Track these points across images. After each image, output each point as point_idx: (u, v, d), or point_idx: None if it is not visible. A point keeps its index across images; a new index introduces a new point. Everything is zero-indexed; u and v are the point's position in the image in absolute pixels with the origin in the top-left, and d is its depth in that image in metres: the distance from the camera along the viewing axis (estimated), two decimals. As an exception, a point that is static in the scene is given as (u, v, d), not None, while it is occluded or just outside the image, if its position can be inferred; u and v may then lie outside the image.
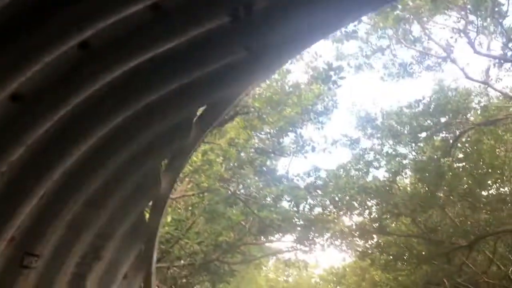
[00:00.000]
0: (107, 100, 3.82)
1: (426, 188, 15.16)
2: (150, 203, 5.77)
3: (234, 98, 4.58)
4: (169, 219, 12.07)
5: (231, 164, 11.87)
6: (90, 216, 4.68)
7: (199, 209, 14.67)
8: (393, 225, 18.84)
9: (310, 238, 16.24)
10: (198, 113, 4.77)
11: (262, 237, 17.87)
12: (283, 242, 18.92)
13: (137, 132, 4.25)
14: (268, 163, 13.53)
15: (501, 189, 15.16)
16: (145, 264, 6.08)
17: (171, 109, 4.21)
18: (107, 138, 3.94)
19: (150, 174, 5.02)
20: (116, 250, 5.33)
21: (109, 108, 3.88)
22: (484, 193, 15.16)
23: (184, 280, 16.40)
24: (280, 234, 17.52)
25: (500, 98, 15.62)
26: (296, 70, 19.15)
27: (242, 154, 12.28)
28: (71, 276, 4.86)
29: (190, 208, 15.27)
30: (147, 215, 6.04)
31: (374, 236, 19.38)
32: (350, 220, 16.72)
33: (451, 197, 13.66)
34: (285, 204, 18.96)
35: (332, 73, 10.01)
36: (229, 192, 12.32)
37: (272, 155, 12.81)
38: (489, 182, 14.05)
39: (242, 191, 13.11)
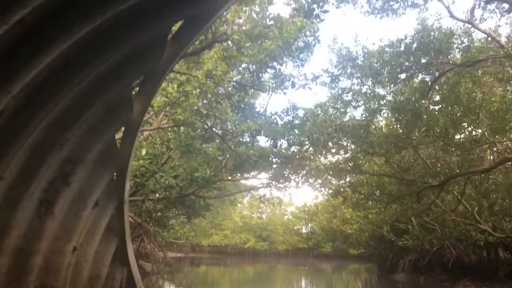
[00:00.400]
0: (70, 10, 3.41)
1: (402, 129, 15.26)
2: (122, 129, 5.50)
3: (213, 15, 4.21)
4: (143, 152, 11.83)
5: (209, 98, 11.52)
6: (57, 139, 4.39)
7: (174, 144, 14.47)
8: (367, 164, 19.18)
9: (286, 175, 16.35)
10: (173, 30, 4.41)
11: (238, 174, 17.92)
12: (258, 179, 19.02)
13: (106, 47, 3.88)
14: (246, 99, 13.22)
15: (474, 131, 15.36)
16: (117, 192, 5.91)
17: (143, 22, 3.83)
18: (72, 52, 3.56)
19: (121, 97, 4.71)
20: (86, 177, 5.11)
21: (73, 18, 3.48)
22: (458, 135, 15.38)
23: (159, 214, 16.51)
24: (256, 172, 17.60)
25: (483, 40, 15.47)
26: (278, 2, 18.41)
27: (220, 88, 11.91)
28: (38, 202, 4.64)
29: (165, 142, 15.03)
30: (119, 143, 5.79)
31: (348, 175, 19.75)
32: (326, 159, 16.88)
33: (426, 138, 13.78)
34: (262, 142, 18.89)
35: (315, 6, 9.50)
36: (206, 126, 12.06)
37: (251, 90, 12.48)
38: (464, 124, 14.16)
39: (219, 126, 12.85)
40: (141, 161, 12.45)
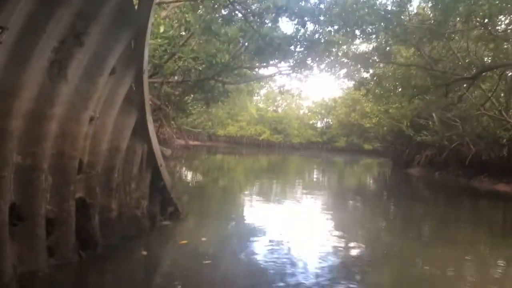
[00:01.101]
0: None
1: (438, 16, 13.99)
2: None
3: None
4: (161, 29, 11.11)
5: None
6: (65, -12, 3.81)
7: (194, 25, 13.61)
8: (393, 57, 18.14)
9: (309, 63, 15.58)
10: None
11: (259, 61, 17.17)
12: (279, 68, 18.26)
13: None
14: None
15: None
16: (135, 60, 5.43)
17: None
18: None
19: None
20: (101, 38, 4.58)
21: None
22: (499, 26, 14.08)
23: (178, 98, 16.22)
24: (277, 60, 16.81)
25: None
26: None
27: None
28: (49, 62, 4.18)
29: (184, 23, 14.12)
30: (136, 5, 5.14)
31: (373, 67, 18.85)
32: (352, 48, 15.89)
33: (465, 25, 12.62)
34: (286, 27, 17.73)
35: None
36: (228, 1, 11.12)
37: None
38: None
39: (241, 4, 11.86)
40: (159, 40, 11.80)
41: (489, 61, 15.66)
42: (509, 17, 13.89)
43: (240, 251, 6.72)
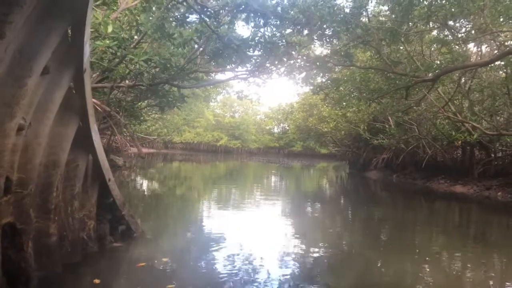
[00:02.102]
0: None
1: (398, 17, 13.86)
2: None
3: None
4: (109, 29, 10.18)
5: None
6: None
7: (145, 26, 12.74)
8: (357, 56, 17.96)
9: (268, 67, 15.04)
10: None
11: (215, 65, 16.48)
12: (236, 72, 17.59)
13: None
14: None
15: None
16: (73, 57, 4.60)
17: None
18: None
19: None
20: (27, 29, 3.74)
21: None
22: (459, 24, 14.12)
23: (130, 104, 15.22)
24: (234, 65, 16.17)
25: None
26: None
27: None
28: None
29: (135, 25, 13.22)
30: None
31: (331, 71, 18.62)
32: (311, 51, 15.51)
33: (425, 27, 12.52)
34: (242, 31, 17.18)
35: None
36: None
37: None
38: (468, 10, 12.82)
39: (196, 4, 11.12)
40: (107, 41, 10.84)
41: (446, 64, 15.71)
42: (469, 20, 13.92)
43: (205, 268, 6.34)
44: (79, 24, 4.13)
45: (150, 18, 13.05)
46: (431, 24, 12.47)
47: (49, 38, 3.98)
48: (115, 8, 13.54)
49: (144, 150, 55.91)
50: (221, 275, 5.93)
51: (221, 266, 6.38)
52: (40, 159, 4.57)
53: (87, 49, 4.34)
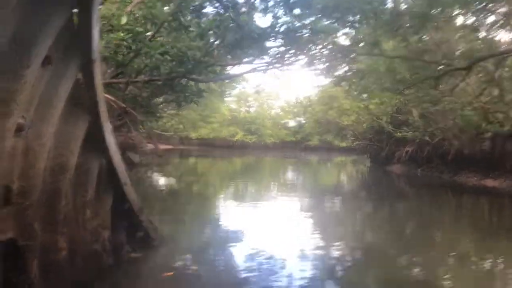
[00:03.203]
0: None
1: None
2: None
3: None
4: (123, 20, 9.57)
5: None
6: None
7: (161, 19, 12.12)
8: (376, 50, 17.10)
9: (289, 57, 14.30)
10: None
11: (233, 56, 15.79)
12: (255, 65, 16.83)
13: None
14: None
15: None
16: (80, 44, 3.94)
17: None
18: None
19: None
20: (21, 10, 3.12)
21: None
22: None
23: (146, 100, 14.62)
24: (252, 57, 15.46)
25: None
26: None
27: None
28: None
29: (150, 17, 12.59)
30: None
31: (357, 60, 17.74)
32: (336, 39, 14.67)
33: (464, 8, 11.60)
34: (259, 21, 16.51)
35: None
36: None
37: None
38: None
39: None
40: (121, 34, 10.24)
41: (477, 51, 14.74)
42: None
43: (237, 272, 5.98)
44: (85, 6, 3.46)
45: (165, 10, 12.45)
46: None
47: (50, 22, 3.32)
48: (129, 1, 13.03)
49: (161, 146, 55.67)
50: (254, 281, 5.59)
51: (249, 270, 6.04)
52: (44, 163, 3.93)
53: (95, 36, 3.67)
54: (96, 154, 4.78)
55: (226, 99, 65.92)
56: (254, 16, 13.56)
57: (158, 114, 18.48)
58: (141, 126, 19.18)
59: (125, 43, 10.86)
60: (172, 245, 6.88)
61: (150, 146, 44.23)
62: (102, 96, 4.24)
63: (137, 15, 12.75)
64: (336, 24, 11.90)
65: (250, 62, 16.27)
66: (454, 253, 7.68)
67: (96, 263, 5.00)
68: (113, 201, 5.39)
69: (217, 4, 11.70)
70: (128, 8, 13.13)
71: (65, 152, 4.18)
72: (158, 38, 13.45)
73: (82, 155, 4.50)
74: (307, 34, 11.54)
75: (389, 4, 13.30)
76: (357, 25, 11.73)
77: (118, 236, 5.60)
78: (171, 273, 5.58)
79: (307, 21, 11.32)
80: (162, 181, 20.39)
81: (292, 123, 77.39)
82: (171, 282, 5.36)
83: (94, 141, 4.62)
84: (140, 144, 39.08)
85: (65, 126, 4.09)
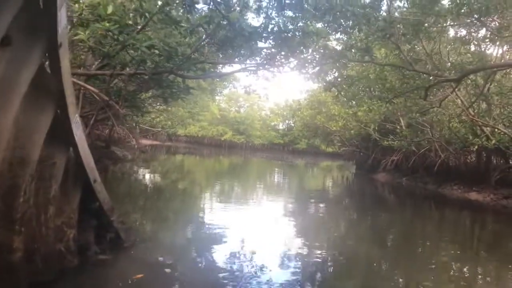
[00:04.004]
0: None
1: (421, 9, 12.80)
2: None
3: None
4: (109, 10, 9.22)
5: None
6: None
7: (150, 12, 11.76)
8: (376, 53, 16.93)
9: (280, 59, 14.03)
10: None
11: (223, 55, 15.51)
12: (245, 64, 16.56)
13: None
14: None
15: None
16: (44, 24, 3.61)
17: None
18: None
19: None
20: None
21: None
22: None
23: (132, 94, 14.23)
24: (242, 57, 15.17)
25: None
26: None
27: None
28: None
29: (139, 9, 12.22)
30: None
31: (347, 66, 17.57)
32: (328, 43, 14.46)
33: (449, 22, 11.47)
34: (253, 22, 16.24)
35: None
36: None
37: None
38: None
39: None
40: (107, 24, 9.86)
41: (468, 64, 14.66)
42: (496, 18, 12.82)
43: (216, 277, 5.70)
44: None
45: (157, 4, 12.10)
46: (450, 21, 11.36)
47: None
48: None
49: (148, 142, 55.16)
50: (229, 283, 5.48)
51: (227, 273, 5.88)
52: (2, 155, 3.60)
53: (62, 17, 3.35)
54: (63, 147, 4.46)
55: (216, 97, 65.70)
56: (247, 16, 13.32)
57: (143, 109, 18.05)
58: (125, 121, 18.74)
59: (111, 34, 10.51)
60: (147, 246, 6.57)
61: (138, 141, 43.82)
62: (69, 85, 3.91)
63: (128, 8, 12.40)
64: (327, 29, 11.64)
65: (241, 62, 16.00)
66: (433, 266, 7.60)
67: (58, 264, 4.67)
68: (81, 198, 5.06)
69: (208, 0, 11.36)
70: (119, 0, 12.79)
71: (27, 144, 3.84)
72: (147, 32, 13.11)
73: (47, 148, 4.17)
74: (298, 37, 11.29)
75: (383, 12, 13.18)
76: (349, 29, 11.48)
77: (85, 236, 5.27)
78: (141, 275, 5.28)
79: (299, 24, 11.06)
80: (145, 177, 19.97)
81: (281, 126, 77.47)
82: (140, 285, 5.06)
83: (60, 133, 4.29)
84: (126, 138, 38.57)
85: (27, 116, 3.76)
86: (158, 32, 13.42)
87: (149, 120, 44.82)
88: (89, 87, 11.05)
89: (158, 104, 32.02)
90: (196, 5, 11.95)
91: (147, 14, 11.99)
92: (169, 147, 52.46)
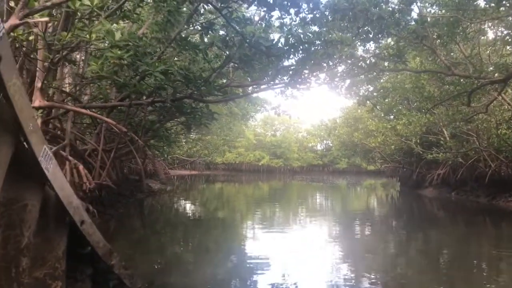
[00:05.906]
0: None
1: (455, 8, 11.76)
2: None
3: None
4: (117, 36, 8.75)
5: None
6: None
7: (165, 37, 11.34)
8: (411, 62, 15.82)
9: (306, 73, 13.22)
10: None
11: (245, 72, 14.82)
12: (270, 84, 15.83)
13: None
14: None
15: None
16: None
17: None
18: None
19: None
20: None
21: None
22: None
23: (157, 125, 13.75)
24: (266, 78, 14.47)
25: None
26: None
27: None
28: None
29: (154, 33, 11.83)
30: None
31: (380, 77, 16.53)
32: (356, 51, 13.55)
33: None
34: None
35: None
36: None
37: None
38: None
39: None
40: (119, 51, 9.41)
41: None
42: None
43: None
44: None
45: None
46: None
47: None
48: (140, 22, 12.39)
49: (186, 172, 55.30)
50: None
51: None
52: None
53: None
54: (35, 186, 3.77)
55: (251, 123, 65.41)
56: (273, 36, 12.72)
57: (170, 139, 17.55)
58: (149, 152, 18.30)
59: (125, 62, 10.06)
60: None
61: (176, 171, 43.88)
62: (26, 110, 3.23)
63: (149, 38, 12.03)
64: (351, 35, 10.74)
65: (265, 83, 15.32)
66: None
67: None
68: (69, 243, 4.35)
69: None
70: (141, 30, 12.48)
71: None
72: (168, 59, 12.68)
73: (12, 189, 3.49)
74: (321, 47, 10.45)
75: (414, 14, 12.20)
76: (378, 36, 10.55)
77: (78, 287, 4.53)
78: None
79: (321, 33, 10.21)
80: (183, 208, 19.46)
81: (319, 147, 76.11)
82: None
83: (28, 170, 3.62)
84: (164, 171, 38.47)
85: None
86: (183, 61, 13.03)
87: (186, 151, 44.90)
88: (105, 119, 10.62)
89: (194, 133, 31.90)
90: (213, 27, 11.47)
91: (164, 41, 11.61)
92: (207, 176, 52.21)
